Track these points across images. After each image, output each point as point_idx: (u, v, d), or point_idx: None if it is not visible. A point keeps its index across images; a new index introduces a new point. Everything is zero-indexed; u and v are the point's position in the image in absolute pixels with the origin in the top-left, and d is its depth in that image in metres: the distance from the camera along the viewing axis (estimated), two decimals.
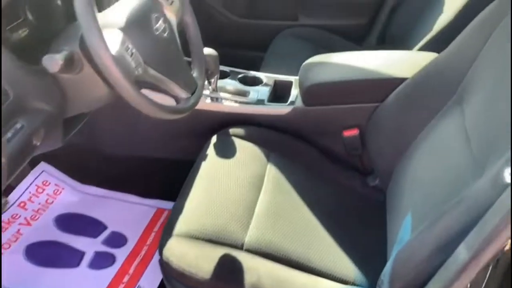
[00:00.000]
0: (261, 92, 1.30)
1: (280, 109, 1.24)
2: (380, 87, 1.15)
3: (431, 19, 1.48)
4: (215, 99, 1.27)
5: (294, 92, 1.29)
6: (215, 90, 1.28)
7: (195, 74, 0.99)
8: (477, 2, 1.24)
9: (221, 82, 1.33)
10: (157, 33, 0.85)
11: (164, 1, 0.92)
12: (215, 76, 1.25)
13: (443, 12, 1.45)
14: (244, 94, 1.30)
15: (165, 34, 0.87)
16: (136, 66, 0.78)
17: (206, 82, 1.27)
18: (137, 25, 0.82)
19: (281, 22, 1.93)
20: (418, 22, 1.58)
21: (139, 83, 0.82)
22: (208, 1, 1.95)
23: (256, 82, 1.36)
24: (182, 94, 0.91)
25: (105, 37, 0.75)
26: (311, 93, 1.20)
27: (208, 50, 1.19)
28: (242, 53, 2.04)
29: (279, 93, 1.35)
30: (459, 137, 0.88)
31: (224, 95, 1.28)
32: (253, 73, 1.39)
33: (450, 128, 0.93)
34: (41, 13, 0.96)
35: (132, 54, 0.78)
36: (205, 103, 1.26)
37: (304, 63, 1.27)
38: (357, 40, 1.85)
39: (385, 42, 1.82)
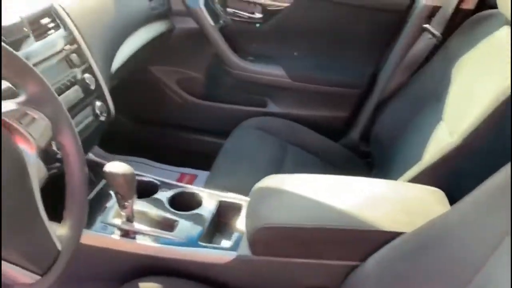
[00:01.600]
0: (196, 221, 0.94)
1: (217, 256, 0.87)
2: (361, 241, 0.79)
3: (426, 128, 1.16)
4: (131, 234, 0.90)
5: (242, 222, 0.93)
6: (130, 219, 0.91)
7: (62, 231, 0.62)
8: (490, 124, 0.93)
9: (143, 203, 0.96)
10: None
11: (13, 121, 0.56)
12: (130, 200, 0.88)
13: (442, 121, 1.13)
14: (171, 225, 0.93)
15: None
16: None
17: (117, 207, 0.91)
18: None
19: (245, 108, 1.61)
20: (409, 126, 1.27)
21: None
22: (162, 78, 1.63)
23: (193, 203, 1.00)
24: (23, 277, 0.54)
25: None
26: (261, 239, 0.84)
27: (119, 167, 0.84)
28: (199, 138, 1.71)
29: (224, 221, 0.99)
30: None
31: (141, 228, 0.91)
32: (191, 188, 1.04)
33: None
34: None
35: None
36: (112, 239, 0.89)
37: (254, 188, 0.92)
38: (335, 136, 1.53)
39: (368, 141, 1.49)
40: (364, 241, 0.79)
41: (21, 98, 0.60)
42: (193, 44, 1.55)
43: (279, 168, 1.27)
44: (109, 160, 1.72)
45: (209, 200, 1.00)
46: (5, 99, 0.60)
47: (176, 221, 0.93)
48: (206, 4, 1.45)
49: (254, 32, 1.52)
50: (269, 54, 1.55)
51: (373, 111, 1.49)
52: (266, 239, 0.83)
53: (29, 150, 0.58)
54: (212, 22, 1.47)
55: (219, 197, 1.02)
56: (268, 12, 1.47)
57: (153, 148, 1.73)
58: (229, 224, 0.97)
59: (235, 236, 0.91)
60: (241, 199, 1.01)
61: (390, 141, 1.35)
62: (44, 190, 0.79)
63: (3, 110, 0.57)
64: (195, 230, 0.92)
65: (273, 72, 1.54)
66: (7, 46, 0.59)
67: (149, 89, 1.66)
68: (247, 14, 1.48)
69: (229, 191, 1.08)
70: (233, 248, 0.88)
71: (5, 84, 0.64)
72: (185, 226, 0.92)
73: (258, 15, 1.48)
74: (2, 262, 0.51)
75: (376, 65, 1.47)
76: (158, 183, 1.04)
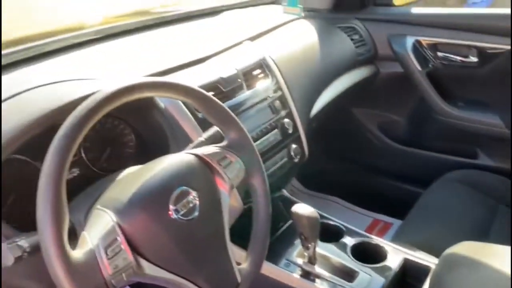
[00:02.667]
0: (378, 276, 0.90)
1: None
2: None
3: None
4: (311, 276, 0.92)
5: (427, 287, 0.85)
6: (312, 261, 0.93)
7: (245, 265, 0.68)
8: None
9: (327, 247, 0.98)
10: (174, 216, 0.59)
11: (214, 163, 0.66)
12: (313, 243, 0.91)
13: None
14: (351, 275, 0.92)
15: (190, 217, 0.60)
16: (116, 272, 0.53)
17: (301, 247, 0.95)
18: (144, 205, 0.57)
19: (450, 157, 1.48)
20: None
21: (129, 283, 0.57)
22: (363, 121, 1.64)
23: (376, 255, 0.96)
24: None
25: (89, 223, 0.54)
26: None
27: (305, 209, 0.88)
28: (396, 184, 1.64)
29: (407, 280, 0.93)
30: None
31: (322, 272, 0.92)
32: (376, 240, 1.00)
33: None
34: (96, 153, 0.82)
35: (117, 252, 0.53)
36: (293, 277, 0.92)
37: (445, 253, 0.83)
38: None
39: None
40: None
41: (223, 143, 0.70)
42: (398, 88, 1.51)
43: (483, 232, 1.11)
44: (304, 195, 1.80)
45: (394, 256, 0.95)
46: (212, 143, 0.71)
47: (357, 272, 0.92)
48: (414, 49, 1.41)
49: (467, 77, 1.39)
50: (483, 100, 1.39)
51: None
52: None
53: (224, 189, 0.66)
54: (419, 67, 1.41)
55: (406, 254, 0.96)
56: (485, 55, 1.33)
57: (349, 188, 1.74)
58: (413, 286, 0.90)
59: None
60: (429, 261, 0.92)
61: None
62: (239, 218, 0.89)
63: (209, 152, 0.67)
64: (375, 285, 0.88)
65: (487, 120, 1.37)
66: (215, 98, 0.69)
67: (350, 130, 1.69)
68: (460, 58, 1.37)
69: (419, 248, 1.01)
70: None
71: (214, 129, 0.75)
72: (365, 279, 0.90)
73: (473, 59, 1.35)
74: (191, 285, 0.60)
75: None
76: (344, 228, 1.04)
